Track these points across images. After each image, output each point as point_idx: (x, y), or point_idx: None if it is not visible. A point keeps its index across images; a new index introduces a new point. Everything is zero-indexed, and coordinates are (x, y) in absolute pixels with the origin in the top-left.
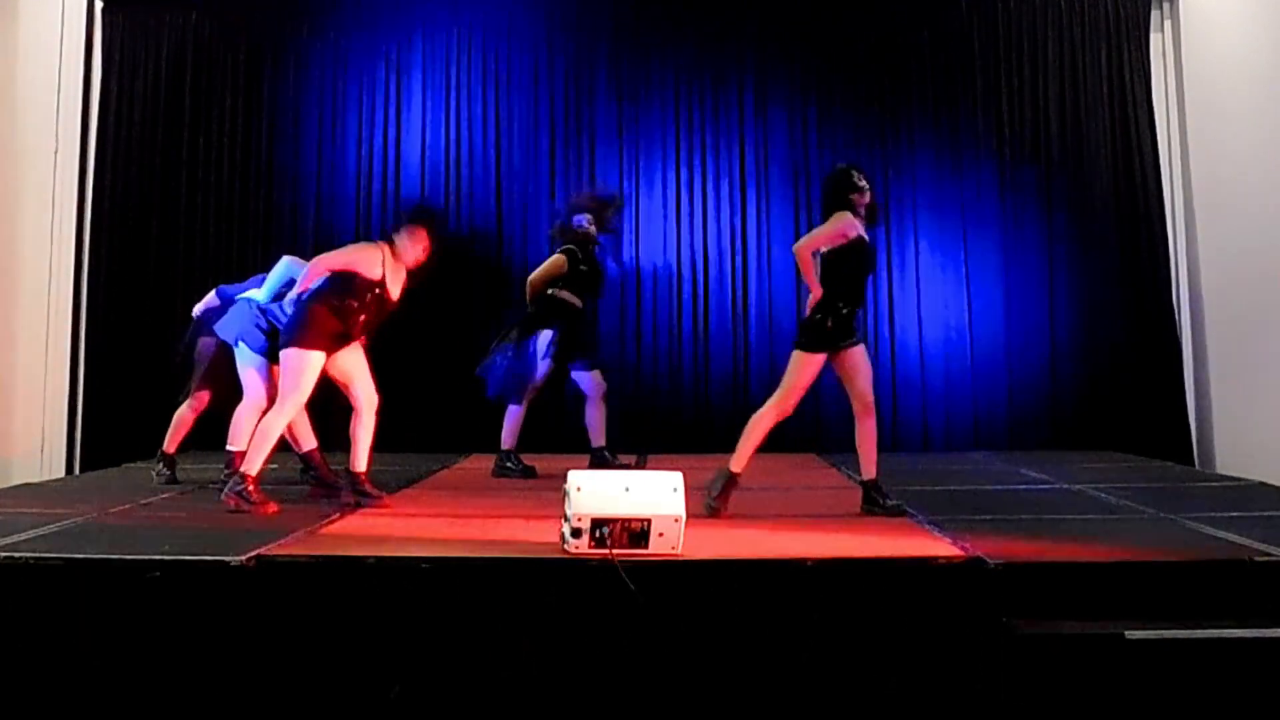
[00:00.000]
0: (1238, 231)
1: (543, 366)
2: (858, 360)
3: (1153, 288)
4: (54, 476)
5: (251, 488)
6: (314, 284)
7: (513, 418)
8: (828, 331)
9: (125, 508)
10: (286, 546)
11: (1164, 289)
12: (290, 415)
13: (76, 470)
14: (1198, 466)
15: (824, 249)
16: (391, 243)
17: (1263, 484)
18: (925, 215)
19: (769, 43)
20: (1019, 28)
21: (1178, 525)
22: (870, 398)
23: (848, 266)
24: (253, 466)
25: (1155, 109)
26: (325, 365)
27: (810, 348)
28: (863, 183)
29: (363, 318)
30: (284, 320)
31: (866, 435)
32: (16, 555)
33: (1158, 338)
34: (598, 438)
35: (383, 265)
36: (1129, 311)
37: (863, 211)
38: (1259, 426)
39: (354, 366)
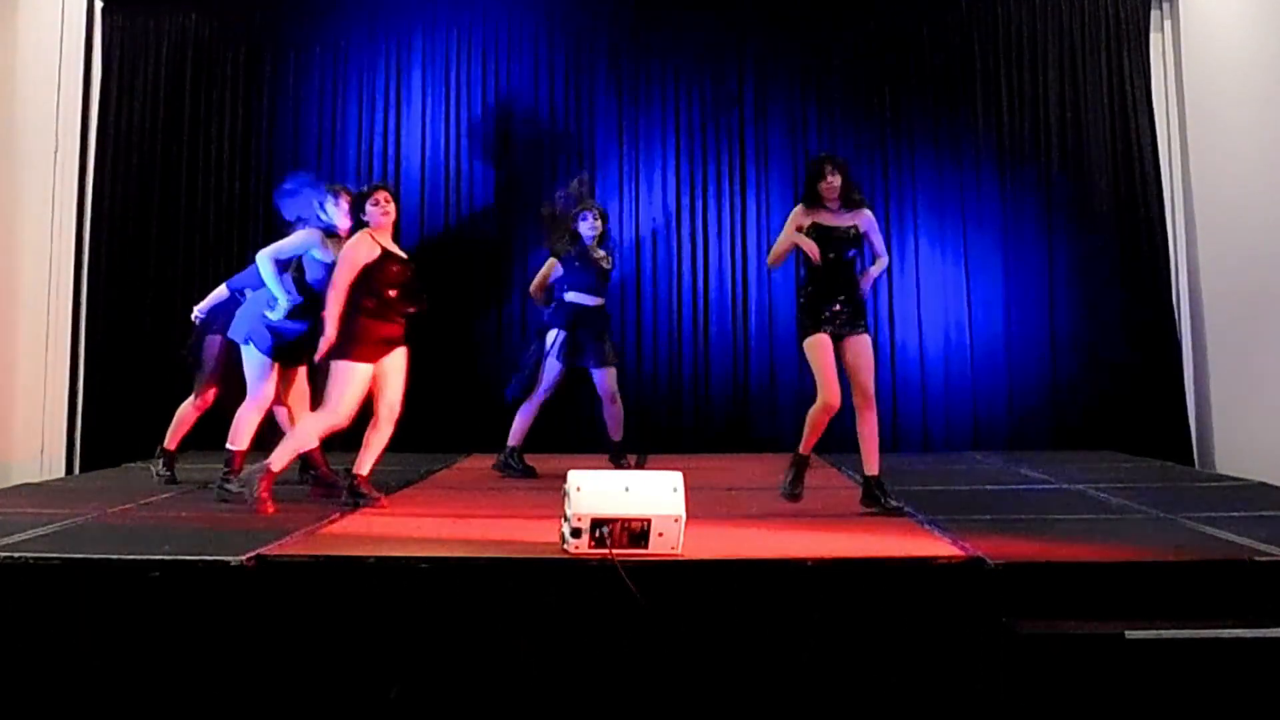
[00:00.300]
0: (1238, 231)
1: (552, 367)
2: (859, 350)
3: (1153, 288)
4: (54, 476)
5: (264, 484)
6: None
7: (523, 417)
8: (811, 313)
9: (125, 508)
10: (286, 546)
11: (1164, 289)
12: (332, 425)
13: (76, 470)
14: (1198, 466)
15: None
16: (363, 225)
17: (1263, 484)
18: (925, 215)
19: (769, 43)
20: (1019, 28)
21: (1178, 525)
22: (870, 391)
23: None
24: (277, 463)
25: (1155, 109)
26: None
27: (805, 333)
28: (831, 174)
29: (394, 294)
30: (292, 325)
31: (868, 429)
32: (16, 555)
33: (1158, 338)
34: (614, 432)
35: (374, 242)
36: (1129, 311)
37: (832, 200)
38: (1259, 426)
39: (390, 375)
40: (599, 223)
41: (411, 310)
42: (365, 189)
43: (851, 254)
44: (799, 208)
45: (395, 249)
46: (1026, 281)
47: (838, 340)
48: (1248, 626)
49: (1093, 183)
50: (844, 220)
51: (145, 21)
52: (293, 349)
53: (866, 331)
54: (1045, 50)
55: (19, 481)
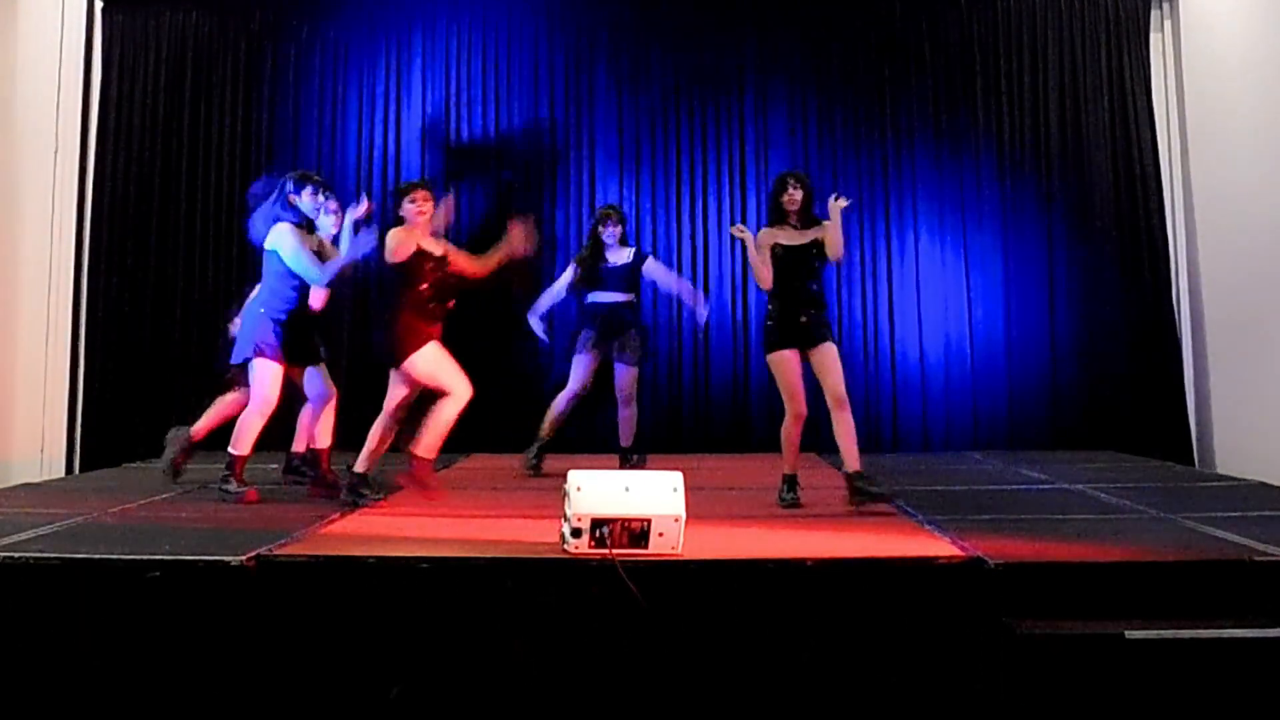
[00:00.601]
0: (1238, 231)
1: (578, 363)
2: (825, 356)
3: (1153, 288)
4: (54, 476)
5: (426, 471)
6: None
7: (554, 409)
8: (777, 329)
9: (125, 508)
10: (286, 546)
11: (1164, 289)
12: (461, 402)
13: (76, 470)
14: (1198, 466)
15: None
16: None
17: (1263, 484)
18: (925, 215)
19: (769, 43)
20: (1019, 27)
21: (1178, 525)
22: (842, 393)
23: (778, 270)
24: (427, 451)
25: (1155, 109)
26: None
27: (769, 349)
28: (794, 188)
29: (425, 287)
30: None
31: (844, 428)
32: (16, 555)
33: (1158, 338)
34: (624, 438)
35: (408, 239)
36: (1129, 311)
37: (794, 215)
38: (1259, 426)
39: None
40: (619, 228)
41: (448, 306)
42: (404, 185)
43: (816, 267)
44: (764, 229)
45: (431, 246)
46: (1026, 281)
47: (805, 351)
48: (1248, 626)
49: (1093, 183)
50: (806, 237)
51: (145, 21)
52: (300, 346)
53: (832, 340)
54: (1045, 50)
55: (19, 481)
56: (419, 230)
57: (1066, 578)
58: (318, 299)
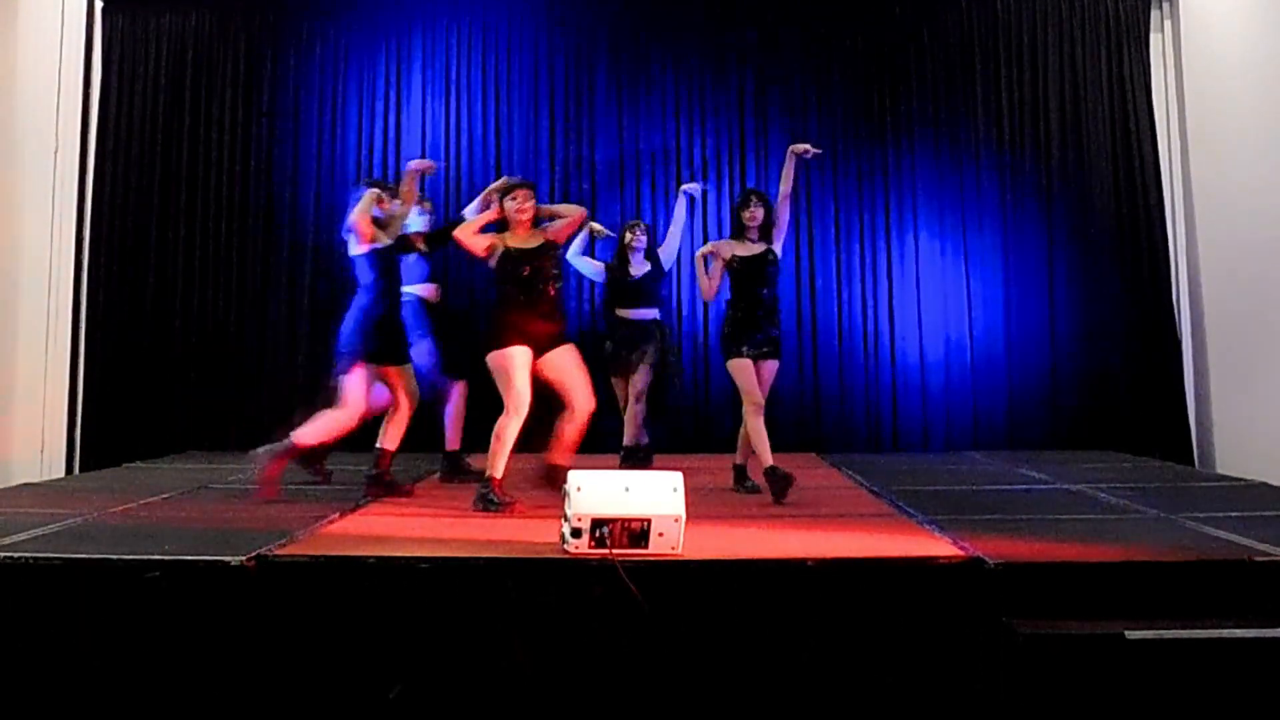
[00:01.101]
0: (1238, 231)
1: (616, 386)
2: (769, 373)
3: (1153, 288)
4: (54, 476)
5: (497, 490)
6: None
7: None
8: (734, 339)
9: (125, 508)
10: (286, 546)
11: (1164, 289)
12: (517, 415)
13: (76, 470)
14: (1198, 466)
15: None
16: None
17: (1263, 484)
18: (925, 215)
19: (769, 42)
20: (1019, 27)
21: (1178, 525)
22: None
23: (736, 280)
24: (497, 470)
25: (1155, 109)
26: (538, 364)
27: (729, 355)
28: (755, 206)
29: (515, 287)
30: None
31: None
32: (16, 555)
33: (1158, 338)
34: (626, 436)
35: (500, 242)
36: (1129, 311)
37: (752, 230)
38: (1259, 426)
39: (565, 371)
40: (645, 239)
41: (549, 292)
42: (506, 184)
43: (772, 275)
44: (725, 240)
45: (523, 242)
46: (1026, 281)
47: (755, 362)
48: (1248, 626)
49: (1093, 183)
50: (760, 247)
51: (145, 21)
52: (391, 345)
53: (777, 359)
54: (1045, 50)
55: (19, 481)
56: (518, 230)
57: (1066, 578)
58: (429, 291)
